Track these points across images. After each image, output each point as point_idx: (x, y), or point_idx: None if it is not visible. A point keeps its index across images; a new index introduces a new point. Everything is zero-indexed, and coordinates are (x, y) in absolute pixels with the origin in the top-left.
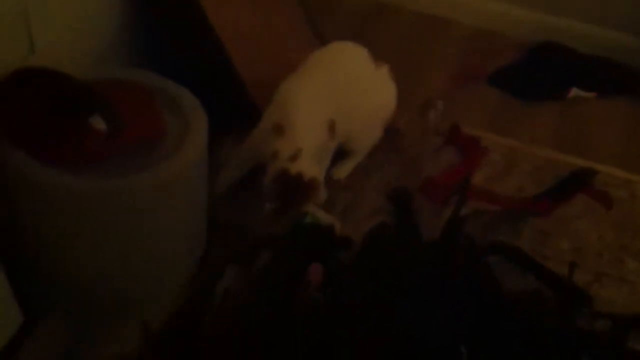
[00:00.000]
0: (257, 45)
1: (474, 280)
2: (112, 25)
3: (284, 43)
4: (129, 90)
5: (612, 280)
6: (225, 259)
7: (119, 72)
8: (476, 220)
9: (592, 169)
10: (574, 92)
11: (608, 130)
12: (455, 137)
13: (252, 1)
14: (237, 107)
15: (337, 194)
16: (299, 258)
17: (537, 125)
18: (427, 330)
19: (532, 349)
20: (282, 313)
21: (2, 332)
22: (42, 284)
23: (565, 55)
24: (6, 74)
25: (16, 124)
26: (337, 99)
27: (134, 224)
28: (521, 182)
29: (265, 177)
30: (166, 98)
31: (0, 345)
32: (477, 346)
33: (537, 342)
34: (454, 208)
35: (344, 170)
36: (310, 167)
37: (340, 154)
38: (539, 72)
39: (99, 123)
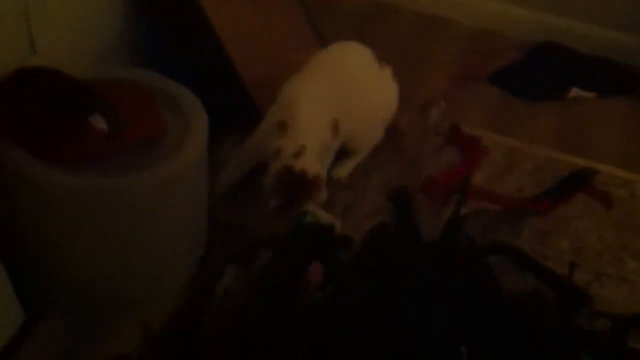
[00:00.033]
0: (256, 45)
1: (474, 280)
2: (112, 26)
3: (284, 43)
4: (129, 89)
5: (612, 280)
6: (226, 259)
7: (119, 72)
8: (476, 220)
9: (592, 169)
10: (574, 92)
11: (608, 130)
12: (456, 137)
13: (252, 1)
14: (237, 107)
15: (337, 193)
16: (299, 258)
17: (538, 125)
18: (427, 330)
19: (532, 348)
20: (282, 313)
21: (3, 331)
22: (42, 284)
23: (566, 55)
24: (7, 74)
25: (17, 123)
26: (341, 99)
27: (134, 224)
28: (521, 181)
29: (268, 174)
30: (166, 97)
31: (1, 344)
32: (477, 346)
33: (537, 342)
34: (454, 208)
35: (344, 170)
36: (313, 164)
37: (340, 154)
38: (539, 72)
39: (99, 122)
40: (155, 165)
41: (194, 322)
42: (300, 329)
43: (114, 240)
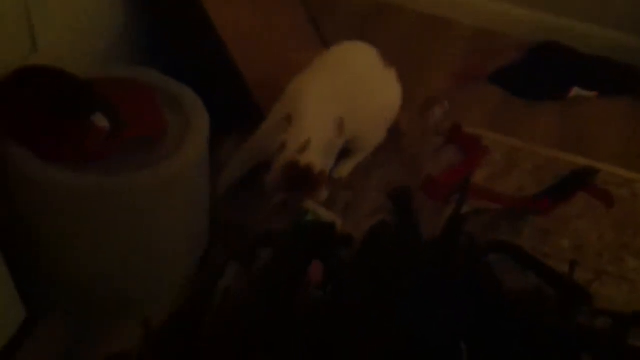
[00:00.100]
0: (257, 45)
1: (474, 279)
2: (113, 25)
3: (285, 43)
4: (130, 88)
5: (612, 279)
6: (226, 258)
7: (120, 71)
8: (477, 219)
9: (592, 168)
10: (575, 91)
11: (609, 130)
12: (456, 137)
13: (252, 1)
14: (238, 107)
15: (338, 192)
16: (299, 256)
17: (538, 125)
18: (427, 329)
19: (533, 347)
20: (282, 312)
21: (4, 329)
22: (42, 283)
23: (566, 55)
24: (8, 73)
25: (18, 122)
26: (347, 98)
27: (134, 223)
28: (522, 181)
29: (273, 169)
30: (167, 96)
31: (2, 343)
32: (477, 345)
33: (537, 341)
34: (454, 207)
35: (345, 169)
36: (318, 159)
37: (341, 153)
38: (540, 72)
39: (100, 121)
40: (156, 165)
41: (194, 322)
42: (300, 328)
43: (114, 240)
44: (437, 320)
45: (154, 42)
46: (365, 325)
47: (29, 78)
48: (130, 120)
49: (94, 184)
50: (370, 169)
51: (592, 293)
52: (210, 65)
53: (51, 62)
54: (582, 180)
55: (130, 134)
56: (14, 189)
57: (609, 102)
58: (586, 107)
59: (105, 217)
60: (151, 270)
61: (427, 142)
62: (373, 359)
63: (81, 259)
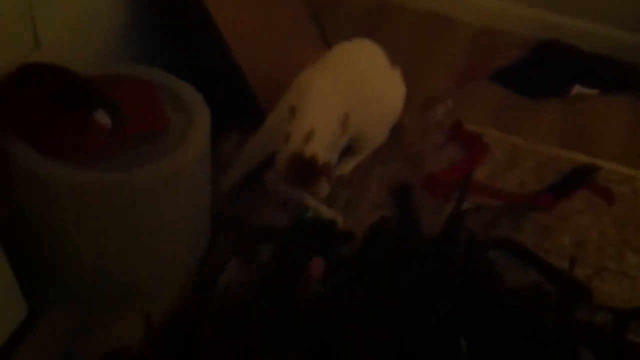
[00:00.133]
0: (259, 44)
1: (474, 275)
2: (116, 23)
3: (286, 42)
4: (132, 85)
5: (613, 275)
6: (227, 254)
7: (122, 68)
8: (478, 215)
9: (594, 165)
10: (577, 89)
11: (611, 127)
12: (458, 134)
13: (253, 0)
14: (240, 106)
15: (339, 189)
16: (300, 252)
17: (541, 123)
18: (428, 324)
19: (533, 343)
20: (282, 307)
21: (6, 324)
22: (43, 280)
23: (568, 52)
24: (11, 70)
25: (20, 118)
26: (352, 94)
27: (135, 219)
28: (523, 178)
29: (277, 160)
30: (169, 93)
31: (4, 337)
32: (477, 340)
33: (537, 336)
34: (455, 203)
35: (347, 166)
36: (323, 151)
37: (343, 151)
38: (542, 70)
39: (102, 118)
40: (157, 161)
41: (195, 317)
42: (300, 323)
43: (115, 236)
44: (438, 316)
45: (155, 42)
46: (365, 321)
47: (32, 75)
48: (132, 117)
49: (95, 180)
50: (372, 166)
51: (592, 289)
52: (212, 65)
53: (53, 60)
54: (583, 178)
55: (131, 131)
56: (15, 184)
57: (611, 100)
58: (588, 104)
59: (106, 213)
60: (152, 266)
61: (429, 140)
62: (373, 355)
63: (82, 255)
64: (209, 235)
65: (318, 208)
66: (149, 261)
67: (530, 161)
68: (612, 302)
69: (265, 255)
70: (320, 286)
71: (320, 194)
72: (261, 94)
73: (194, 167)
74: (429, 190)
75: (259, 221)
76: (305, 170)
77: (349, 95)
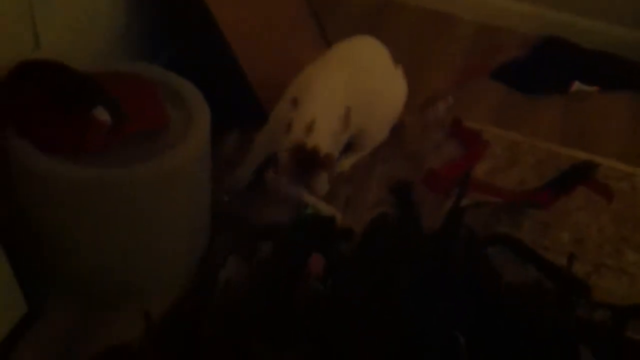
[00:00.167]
0: (258, 45)
1: (473, 271)
2: (116, 22)
3: (287, 40)
4: (132, 82)
5: (611, 272)
6: (228, 250)
7: (122, 65)
8: (477, 212)
9: (593, 162)
10: (577, 85)
11: (611, 124)
12: (457, 131)
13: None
14: (241, 105)
15: (339, 186)
16: (299, 249)
17: (541, 120)
18: (427, 321)
19: (532, 340)
20: (282, 305)
21: (6, 321)
22: (43, 276)
23: (569, 50)
24: (11, 67)
25: (20, 115)
26: (355, 90)
27: (135, 216)
28: (523, 175)
29: (279, 151)
30: (169, 91)
31: (4, 334)
32: (476, 337)
33: (536, 333)
34: (454, 200)
35: (346, 163)
36: (325, 142)
37: (343, 149)
38: (543, 67)
39: (102, 114)
40: (157, 158)
41: (194, 314)
42: (300, 320)
43: (115, 232)
44: (437, 313)
45: (155, 41)
46: (365, 318)
47: (32, 72)
48: (132, 114)
49: (95, 176)
50: (372, 164)
51: (591, 286)
52: (213, 64)
53: (54, 56)
54: (583, 174)
55: (131, 128)
56: (15, 181)
57: (611, 97)
58: (588, 102)
59: (106, 210)
60: (152, 263)
61: (429, 137)
62: (373, 352)
63: (82, 251)
64: (209, 233)
65: (317, 205)
66: (149, 259)
67: (530, 158)
68: (611, 299)
69: (265, 252)
70: (320, 284)
71: (321, 189)
72: (261, 93)
73: (194, 164)
74: (429, 186)
75: (259, 220)
76: (307, 161)
77: (351, 91)
